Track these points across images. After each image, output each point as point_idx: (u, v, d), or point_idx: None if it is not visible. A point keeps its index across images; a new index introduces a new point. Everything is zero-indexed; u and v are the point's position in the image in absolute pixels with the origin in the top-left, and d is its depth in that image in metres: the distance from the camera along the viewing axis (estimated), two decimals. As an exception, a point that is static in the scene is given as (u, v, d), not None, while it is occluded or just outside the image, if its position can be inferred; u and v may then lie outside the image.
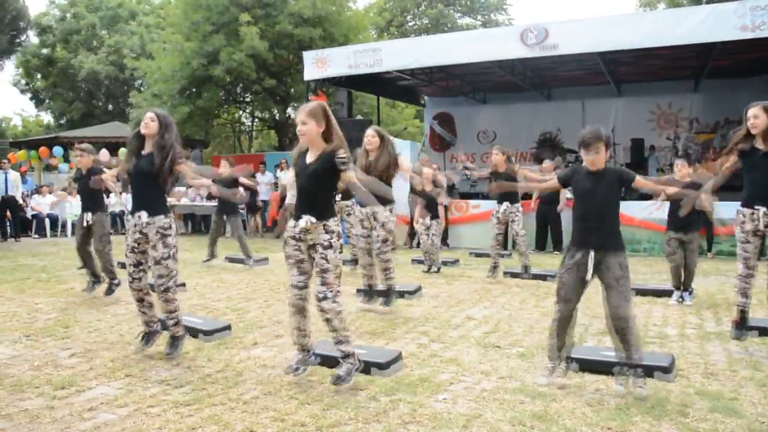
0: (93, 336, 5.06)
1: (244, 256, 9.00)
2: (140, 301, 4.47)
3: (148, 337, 4.54)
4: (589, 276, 3.65)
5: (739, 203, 4.55)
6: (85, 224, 6.67)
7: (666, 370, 3.85)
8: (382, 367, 3.98)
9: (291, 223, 3.77)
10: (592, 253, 3.63)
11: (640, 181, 3.77)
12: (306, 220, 3.67)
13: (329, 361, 4.00)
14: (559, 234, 10.61)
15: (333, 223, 3.71)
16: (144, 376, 4.03)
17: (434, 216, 8.48)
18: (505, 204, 7.53)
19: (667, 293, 6.48)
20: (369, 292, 6.15)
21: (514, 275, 7.85)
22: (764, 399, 3.53)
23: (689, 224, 6.16)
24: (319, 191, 3.72)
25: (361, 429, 3.16)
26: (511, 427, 3.17)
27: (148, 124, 4.31)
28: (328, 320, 3.70)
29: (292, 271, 3.79)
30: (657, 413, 3.32)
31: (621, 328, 3.57)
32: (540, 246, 10.72)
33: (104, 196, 6.76)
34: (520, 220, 7.59)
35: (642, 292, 6.53)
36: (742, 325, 4.60)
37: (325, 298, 3.65)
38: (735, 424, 3.18)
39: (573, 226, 3.83)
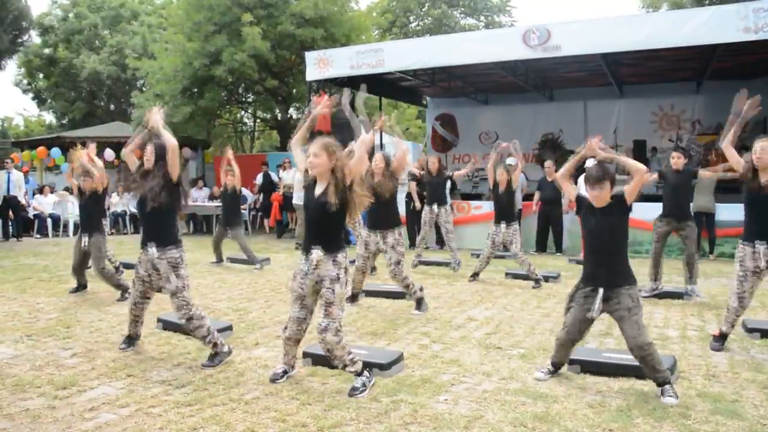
0: (94, 336, 5.07)
1: (249, 260, 9.03)
2: (136, 319, 4.58)
3: (130, 341, 4.64)
4: (594, 314, 3.69)
5: (739, 240, 4.55)
6: (82, 246, 6.67)
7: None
8: (384, 367, 3.98)
9: (301, 257, 3.82)
10: (601, 292, 3.67)
11: (627, 191, 3.73)
12: (317, 253, 3.68)
13: (328, 362, 4.00)
14: (560, 235, 10.60)
15: (341, 256, 3.73)
16: (145, 376, 4.03)
17: (442, 203, 8.50)
18: (503, 225, 7.47)
19: (675, 295, 6.53)
20: (353, 297, 6.29)
21: (517, 276, 7.85)
22: (766, 401, 3.53)
23: (681, 213, 6.19)
24: (327, 222, 3.72)
25: (363, 429, 3.16)
26: (512, 428, 3.17)
27: (149, 159, 4.32)
28: (329, 351, 3.70)
29: (294, 305, 3.85)
30: (658, 415, 3.32)
31: (642, 356, 3.58)
32: (541, 248, 10.70)
33: (104, 215, 6.78)
34: (518, 242, 7.50)
35: (658, 295, 6.56)
36: (722, 339, 4.64)
37: (326, 330, 3.65)
38: (736, 427, 3.17)
39: (584, 260, 3.91)
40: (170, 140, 4.20)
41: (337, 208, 3.66)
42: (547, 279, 7.67)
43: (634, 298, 3.64)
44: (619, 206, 3.73)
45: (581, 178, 6.82)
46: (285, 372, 3.95)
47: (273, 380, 3.88)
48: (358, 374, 3.74)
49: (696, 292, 6.36)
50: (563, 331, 3.85)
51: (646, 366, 3.60)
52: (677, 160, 6.30)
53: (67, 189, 15.83)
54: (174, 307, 4.32)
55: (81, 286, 6.98)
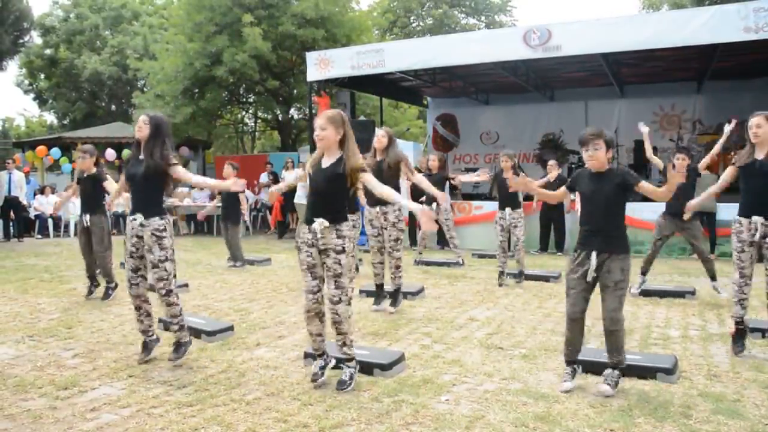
0: (96, 336, 5.07)
1: (232, 258, 9.14)
2: (138, 308, 4.43)
3: (145, 346, 4.49)
4: (590, 277, 3.66)
5: (736, 212, 4.56)
6: (83, 226, 6.70)
7: (669, 371, 3.86)
8: (385, 368, 3.98)
9: (303, 228, 3.79)
10: (594, 255, 3.64)
11: (643, 186, 3.69)
12: (319, 222, 3.68)
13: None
14: (562, 235, 10.59)
15: (346, 228, 3.72)
16: (147, 376, 4.03)
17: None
18: (507, 210, 7.48)
19: (679, 294, 6.54)
20: (377, 293, 6.17)
21: (514, 275, 7.84)
22: (767, 401, 3.53)
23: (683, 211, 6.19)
24: (333, 194, 3.73)
25: (364, 430, 3.16)
26: (513, 429, 3.17)
27: (141, 128, 4.31)
28: (338, 323, 3.71)
29: (306, 277, 3.80)
30: (660, 415, 3.32)
31: (612, 331, 3.64)
32: (543, 247, 10.70)
33: (104, 197, 6.75)
34: (522, 226, 7.53)
35: (659, 294, 6.60)
36: (739, 338, 4.54)
37: (339, 301, 3.67)
38: (738, 426, 3.17)
39: (580, 224, 3.85)
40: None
41: (344, 181, 3.67)
42: (548, 279, 7.68)
43: (625, 270, 3.63)
44: (622, 180, 3.65)
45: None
46: (323, 368, 3.86)
47: (314, 380, 3.80)
48: (350, 360, 3.77)
49: (719, 289, 6.34)
50: (570, 310, 3.75)
51: (610, 342, 3.67)
52: (682, 162, 6.29)
53: (68, 189, 15.87)
54: (154, 278, 4.26)
55: (94, 287, 6.88)
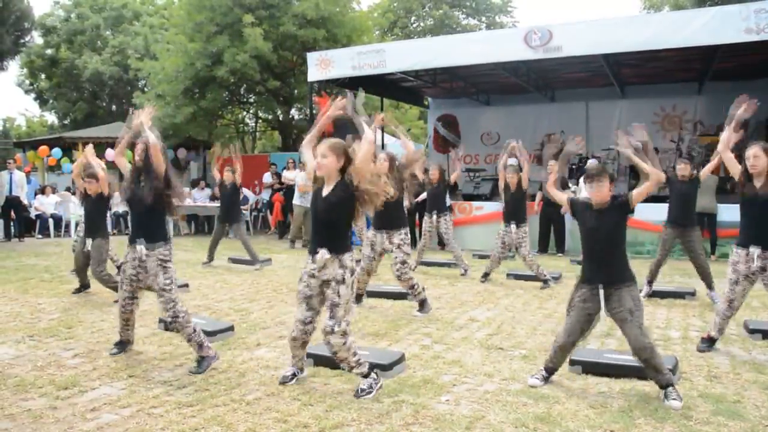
0: (96, 336, 5.07)
1: (251, 259, 9.02)
2: (126, 322, 4.50)
3: (121, 345, 4.57)
4: (603, 312, 3.67)
5: (734, 244, 4.57)
6: (84, 250, 6.69)
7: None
8: (385, 368, 3.98)
9: (307, 259, 3.79)
10: (601, 292, 3.66)
11: (636, 195, 3.73)
12: (323, 254, 3.66)
13: (330, 362, 4.02)
14: (562, 236, 10.59)
15: (348, 259, 3.70)
16: (147, 376, 4.03)
17: (441, 211, 8.50)
18: (513, 225, 7.47)
19: (680, 295, 6.54)
20: (358, 298, 6.23)
21: (519, 277, 7.85)
22: (767, 402, 3.53)
23: (687, 221, 6.20)
24: (335, 223, 3.72)
25: (364, 430, 3.16)
26: (513, 429, 3.17)
27: (140, 155, 4.33)
28: (334, 353, 3.68)
29: (300, 307, 3.80)
30: (660, 416, 3.31)
31: (645, 359, 3.57)
32: (543, 248, 10.69)
33: (107, 218, 6.81)
34: (527, 244, 7.53)
35: (660, 295, 6.60)
36: (710, 341, 4.64)
37: (332, 332, 3.62)
38: (738, 427, 3.17)
39: (582, 261, 3.86)
40: (150, 137, 4.23)
41: (344, 209, 3.66)
42: (548, 280, 7.67)
43: (635, 298, 3.63)
44: (621, 208, 3.72)
45: (582, 180, 6.85)
46: (294, 375, 3.92)
47: (282, 383, 3.85)
48: (365, 376, 3.72)
49: (715, 299, 6.34)
50: (564, 335, 3.82)
51: (648, 368, 3.59)
52: (684, 170, 6.30)
53: (68, 189, 15.85)
54: (161, 305, 4.28)
55: (83, 287, 6.99)
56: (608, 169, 3.80)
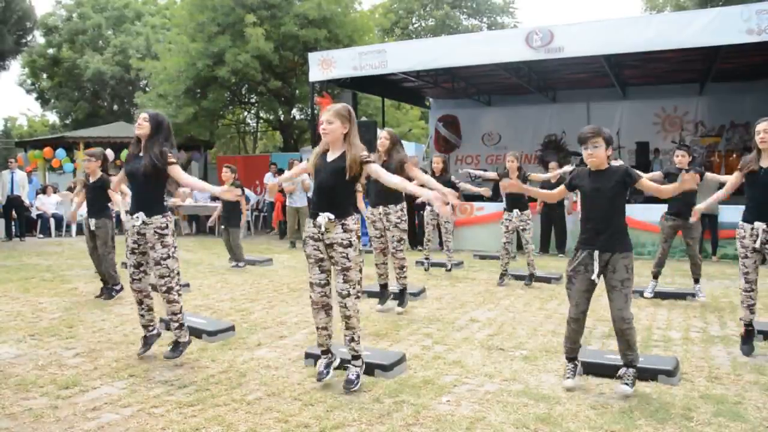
0: (97, 336, 5.07)
1: (234, 259, 9.17)
2: (140, 303, 4.45)
3: (145, 341, 4.53)
4: (595, 277, 3.65)
5: (740, 220, 4.56)
6: (89, 230, 6.73)
7: (670, 373, 3.85)
8: (386, 368, 3.98)
9: (308, 222, 3.79)
10: (597, 254, 3.64)
11: (644, 183, 3.72)
12: (324, 217, 3.67)
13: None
14: (563, 236, 10.59)
15: (351, 222, 3.71)
16: (148, 376, 4.04)
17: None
18: (516, 211, 7.47)
19: (681, 296, 6.53)
20: (382, 293, 6.18)
21: (519, 278, 7.85)
22: (769, 403, 3.52)
23: (687, 212, 6.17)
24: (339, 188, 3.71)
25: (365, 430, 3.16)
26: (514, 430, 3.17)
27: (141, 125, 4.30)
28: (348, 317, 3.70)
29: (312, 270, 3.80)
30: (661, 417, 3.31)
31: (623, 329, 3.61)
32: (544, 248, 10.69)
33: (110, 201, 6.79)
34: (531, 229, 7.55)
35: (661, 296, 6.59)
36: (748, 339, 4.57)
37: (348, 295, 3.67)
38: (739, 429, 3.17)
39: (581, 226, 3.83)
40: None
41: (348, 175, 3.66)
42: (549, 280, 7.67)
43: (629, 268, 3.62)
44: (622, 177, 3.66)
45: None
46: (328, 366, 3.85)
47: (319, 379, 3.79)
48: (357, 357, 3.76)
49: (698, 293, 6.35)
50: (573, 308, 3.74)
51: (622, 341, 3.63)
52: (681, 158, 6.27)
53: (70, 189, 15.87)
54: (156, 275, 4.26)
55: (105, 284, 6.88)
56: (602, 128, 3.74)
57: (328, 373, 3.85)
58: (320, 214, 3.70)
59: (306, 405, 3.50)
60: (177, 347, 4.31)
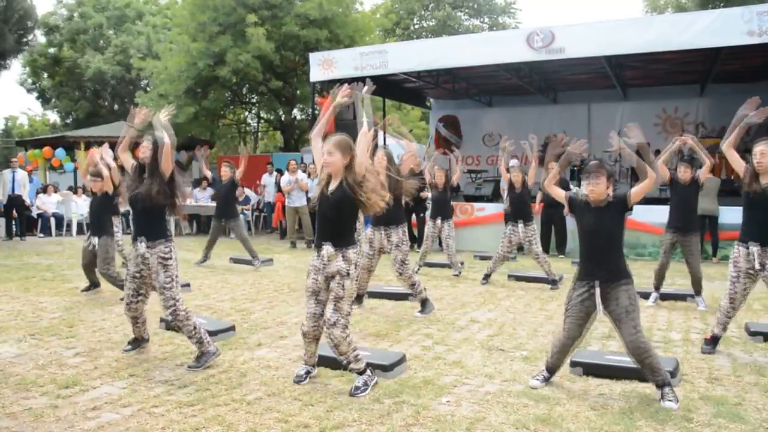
0: (97, 335, 5.08)
1: (250, 257, 9.02)
2: (134, 320, 4.52)
3: (136, 343, 4.61)
4: (599, 311, 3.66)
5: (736, 241, 4.55)
6: (90, 248, 6.72)
7: (670, 374, 3.84)
8: (386, 369, 3.98)
9: (313, 254, 3.82)
10: (597, 290, 3.65)
11: (635, 193, 3.72)
12: (326, 249, 3.70)
13: (331, 363, 4.02)
14: (563, 236, 10.58)
15: (352, 252, 3.74)
16: (148, 376, 4.04)
17: (446, 217, 8.43)
18: (521, 225, 7.46)
19: (681, 297, 6.52)
20: (359, 299, 6.21)
21: (519, 278, 7.86)
22: (769, 405, 3.52)
23: (687, 226, 6.17)
24: (339, 219, 3.74)
25: (365, 431, 3.16)
26: (514, 430, 3.17)
27: (145, 151, 4.33)
28: (336, 346, 3.71)
29: (309, 302, 3.84)
30: (661, 418, 3.31)
31: (641, 358, 3.58)
32: (544, 249, 10.67)
33: (112, 218, 6.86)
34: (538, 241, 7.54)
35: (661, 297, 6.56)
36: (713, 343, 4.64)
37: (334, 324, 3.66)
38: (739, 430, 3.17)
39: (580, 258, 3.85)
40: (165, 138, 4.24)
41: (349, 205, 3.69)
42: (554, 282, 7.68)
43: (632, 296, 3.63)
44: (619, 206, 3.70)
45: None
46: (308, 372, 3.94)
47: (297, 382, 3.86)
48: (361, 373, 3.75)
49: (699, 303, 6.32)
50: (564, 334, 3.81)
51: (644, 368, 3.59)
52: (684, 174, 6.24)
53: (71, 188, 15.87)
54: (162, 303, 4.29)
55: (93, 285, 6.96)
56: (605, 165, 3.77)
57: (305, 379, 3.89)
58: (324, 245, 3.73)
59: (306, 405, 3.50)
60: (200, 358, 4.24)
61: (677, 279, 7.96)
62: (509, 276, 8.04)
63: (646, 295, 6.57)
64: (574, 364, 4.08)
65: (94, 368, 4.19)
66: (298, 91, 18.35)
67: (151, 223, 4.34)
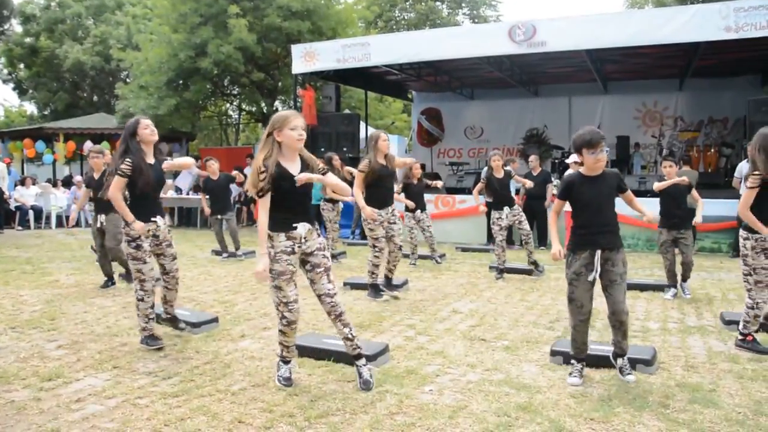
0: (80, 328, 5.05)
1: (233, 248, 9.25)
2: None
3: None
4: (596, 275, 3.73)
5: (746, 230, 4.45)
6: (98, 226, 6.72)
7: (648, 362, 3.94)
8: (370, 359, 4.01)
9: (281, 237, 3.56)
10: (598, 253, 3.73)
11: (629, 196, 3.91)
12: (303, 227, 3.64)
13: (314, 353, 4.08)
14: (545, 230, 10.68)
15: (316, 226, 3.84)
16: (131, 367, 4.04)
17: (423, 208, 8.78)
18: (506, 209, 7.54)
19: (659, 288, 6.61)
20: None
21: (509, 271, 7.90)
22: (741, 390, 3.62)
23: (682, 222, 6.28)
24: (308, 198, 3.78)
25: (349, 420, 3.20)
26: (496, 418, 3.22)
27: (155, 132, 4.65)
28: (341, 314, 3.64)
29: (288, 287, 3.58)
30: (638, 404, 3.39)
31: (622, 322, 3.71)
32: (526, 241, 10.78)
33: None
34: (525, 220, 7.73)
35: (640, 287, 6.70)
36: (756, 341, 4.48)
37: (336, 293, 3.68)
38: (713, 415, 3.26)
39: (573, 232, 3.85)
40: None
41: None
42: (530, 272, 7.76)
43: (625, 262, 3.78)
44: (619, 185, 3.85)
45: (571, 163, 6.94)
46: (291, 370, 3.83)
47: (288, 386, 3.66)
48: (359, 357, 3.70)
49: (686, 290, 6.41)
50: (579, 309, 3.74)
51: (620, 331, 3.74)
52: (669, 170, 6.29)
53: (49, 181, 15.66)
54: (174, 268, 4.73)
55: (109, 279, 6.88)
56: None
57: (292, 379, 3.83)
58: (298, 225, 3.60)
59: (290, 395, 3.53)
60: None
61: (656, 270, 8.09)
62: (490, 267, 8.10)
63: (635, 286, 6.66)
64: (554, 353, 4.15)
65: (77, 360, 4.18)
66: (280, 83, 18.27)
67: (159, 201, 4.77)
